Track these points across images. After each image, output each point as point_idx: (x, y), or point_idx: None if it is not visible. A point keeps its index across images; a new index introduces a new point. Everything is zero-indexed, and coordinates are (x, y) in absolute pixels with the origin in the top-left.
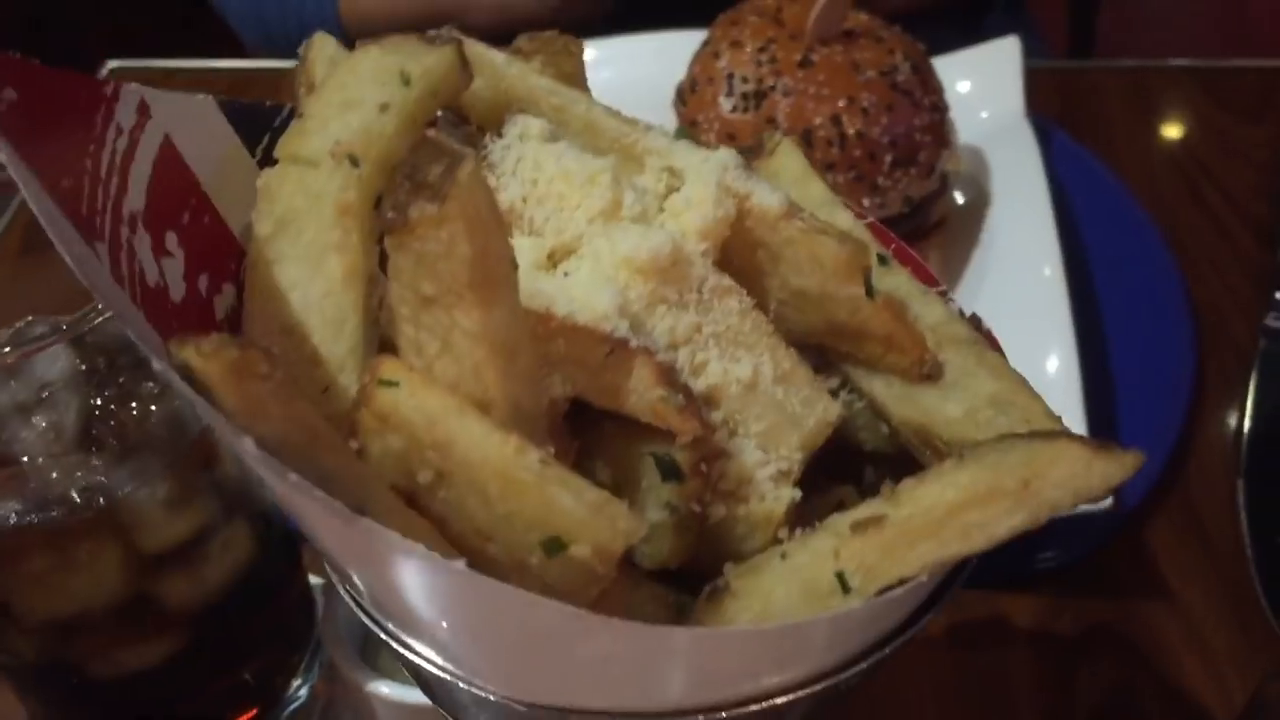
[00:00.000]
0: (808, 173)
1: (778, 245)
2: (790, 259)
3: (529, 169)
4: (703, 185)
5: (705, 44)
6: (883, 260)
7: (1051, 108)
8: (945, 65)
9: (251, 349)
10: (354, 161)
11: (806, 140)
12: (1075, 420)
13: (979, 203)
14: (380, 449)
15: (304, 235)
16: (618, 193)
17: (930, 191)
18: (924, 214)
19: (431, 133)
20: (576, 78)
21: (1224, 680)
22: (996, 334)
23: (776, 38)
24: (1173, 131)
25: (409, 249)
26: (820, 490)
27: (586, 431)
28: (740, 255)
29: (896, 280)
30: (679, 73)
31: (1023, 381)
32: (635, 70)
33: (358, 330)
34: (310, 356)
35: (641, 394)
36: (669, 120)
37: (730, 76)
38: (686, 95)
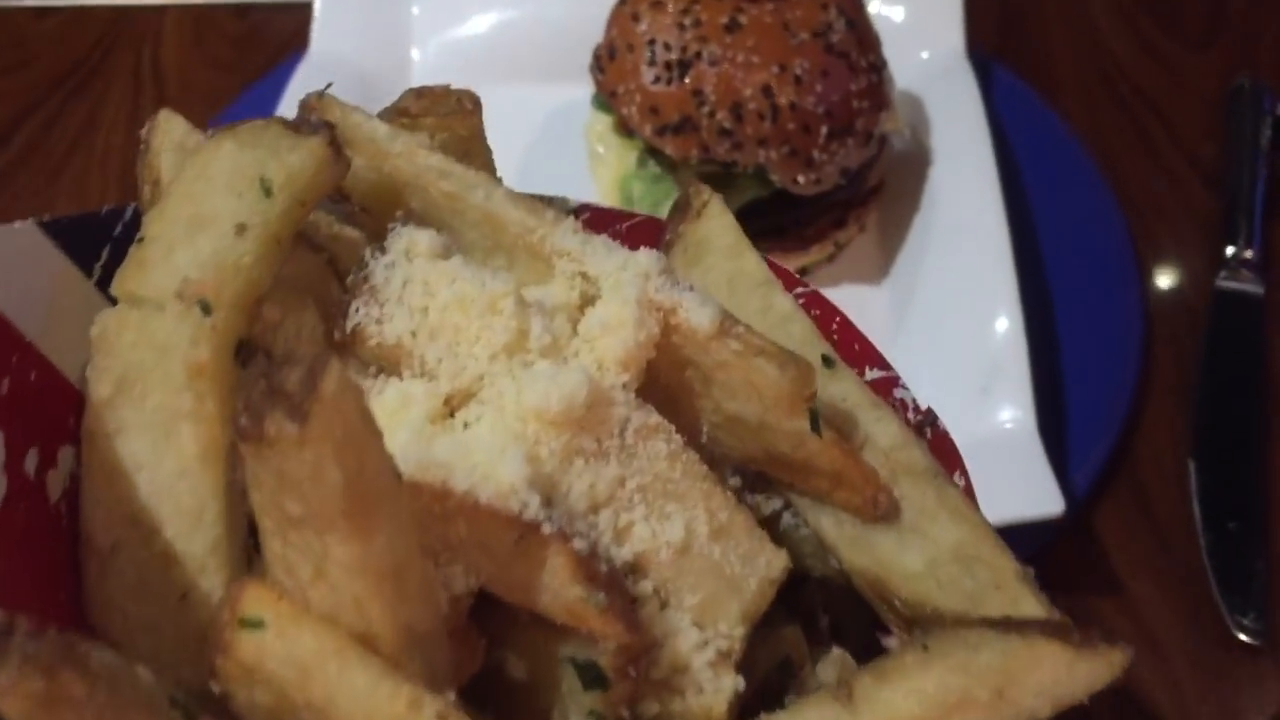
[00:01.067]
0: (739, 242)
1: (709, 367)
2: (724, 383)
3: (418, 294)
4: (621, 301)
5: (622, 2)
6: (828, 362)
7: (991, 38)
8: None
9: (62, 672)
10: (205, 308)
11: (736, 115)
12: (1021, 395)
13: (919, 159)
14: (247, 701)
15: (149, 399)
16: (523, 321)
17: (868, 158)
18: (861, 181)
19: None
20: (474, 140)
21: (1175, 676)
22: (943, 301)
23: None
24: (1117, 62)
25: (268, 463)
26: (763, 636)
27: (497, 619)
28: (667, 373)
29: (844, 388)
30: (601, 13)
31: (986, 528)
32: (553, 8)
33: (219, 520)
34: (163, 554)
35: (557, 591)
36: (589, 84)
37: (651, 43)
38: (604, 62)
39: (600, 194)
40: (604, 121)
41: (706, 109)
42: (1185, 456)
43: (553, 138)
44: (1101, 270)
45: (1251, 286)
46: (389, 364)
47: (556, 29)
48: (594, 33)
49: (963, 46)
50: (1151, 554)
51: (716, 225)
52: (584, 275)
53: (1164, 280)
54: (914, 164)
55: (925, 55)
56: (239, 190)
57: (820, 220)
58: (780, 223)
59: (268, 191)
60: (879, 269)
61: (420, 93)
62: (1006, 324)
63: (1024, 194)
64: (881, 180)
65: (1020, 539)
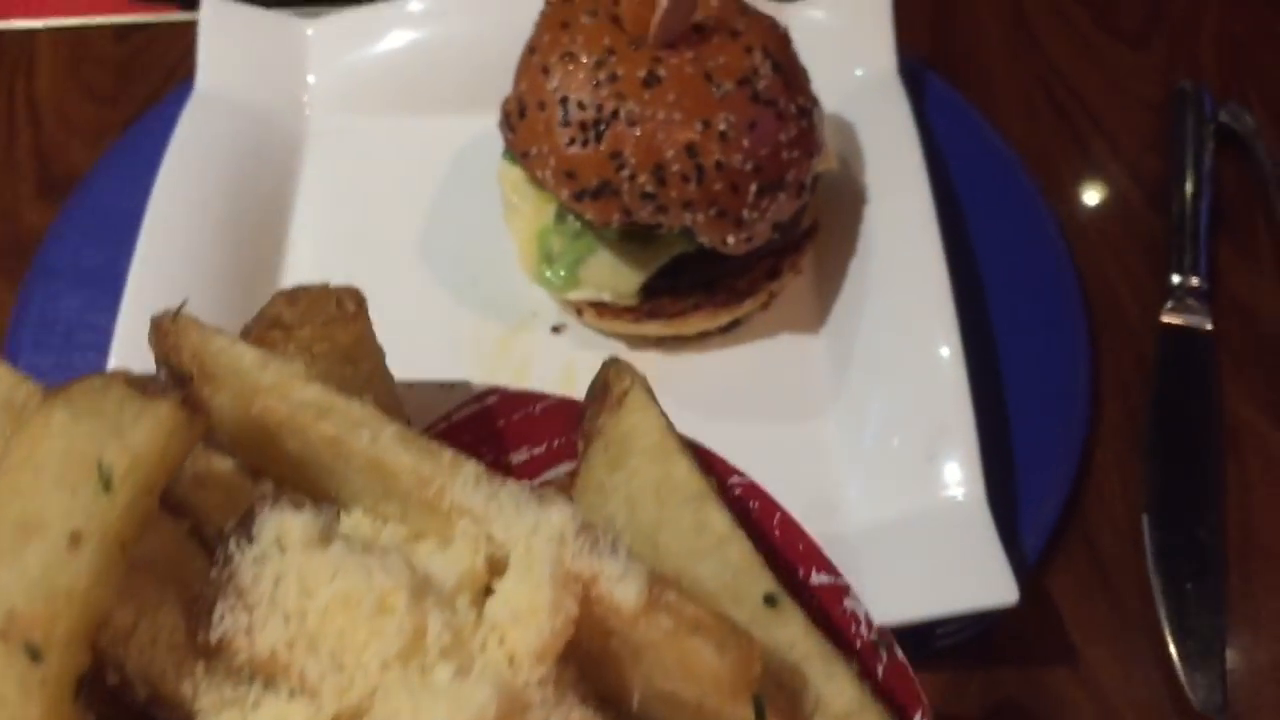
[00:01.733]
0: (666, 441)
1: (638, 643)
2: (655, 661)
3: (293, 594)
4: (534, 584)
5: (531, 51)
6: (772, 601)
7: (922, 40)
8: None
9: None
10: (34, 653)
11: (659, 178)
12: (969, 461)
13: (853, 191)
14: None
15: None
16: (418, 618)
17: (802, 205)
18: (794, 227)
19: None
20: (359, 345)
21: None
22: (883, 352)
23: (615, 47)
24: (1054, 65)
25: None
26: None
27: None
28: (591, 640)
29: (791, 633)
30: (520, 37)
31: None
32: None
33: None
34: None
35: None
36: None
37: (564, 101)
38: (514, 120)
39: (517, 247)
40: (518, 171)
41: (627, 172)
42: (1139, 512)
43: (465, 176)
44: (1044, 308)
45: (1199, 320)
46: (265, 675)
47: (469, 54)
48: (512, 60)
49: (894, 63)
50: (1108, 619)
51: (640, 421)
52: (490, 538)
53: (1109, 314)
54: (848, 197)
55: (858, 73)
56: (72, 484)
57: (753, 271)
58: (711, 275)
59: (107, 484)
60: (816, 315)
61: (293, 297)
62: (951, 380)
63: (962, 221)
64: (815, 222)
65: (972, 617)
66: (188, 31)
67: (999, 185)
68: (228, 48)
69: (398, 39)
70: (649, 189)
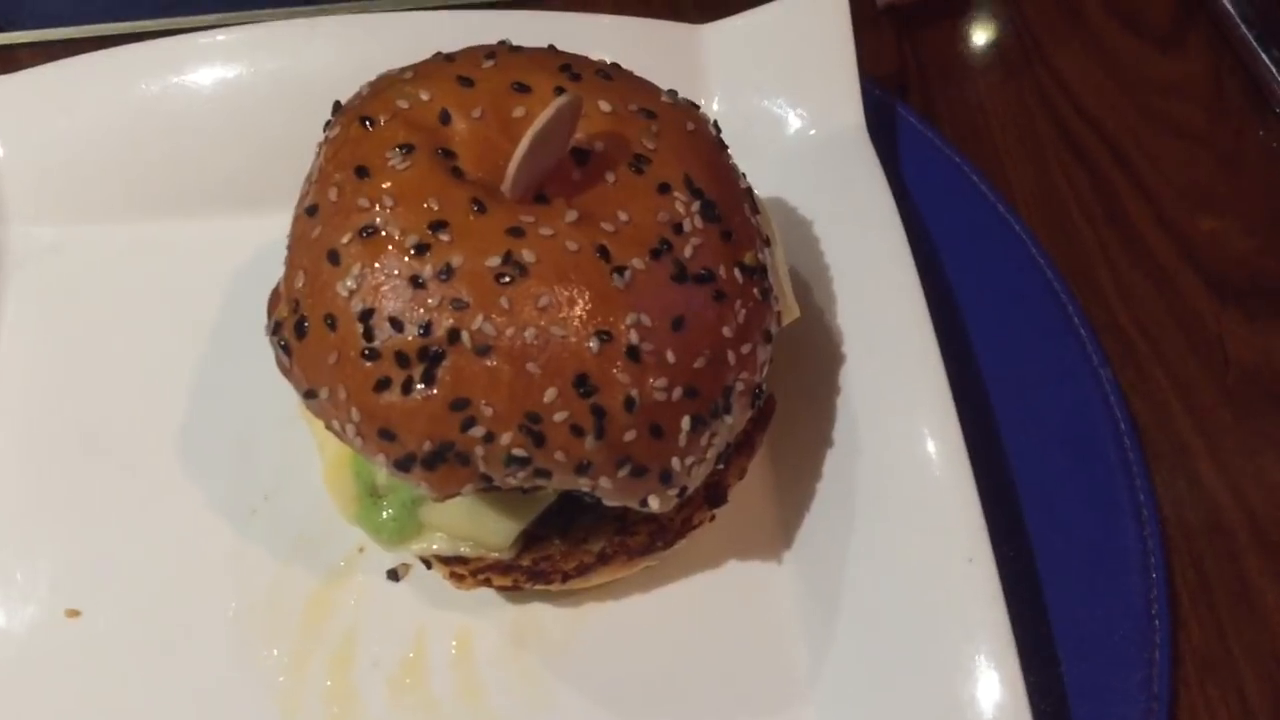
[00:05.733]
0: None
1: None
2: None
3: None
4: None
5: (310, 212)
6: None
7: (890, 57)
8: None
9: None
10: None
11: (534, 435)
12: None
13: (820, 331)
14: None
15: None
16: None
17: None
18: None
19: None
20: None
21: None
22: (884, 611)
23: (447, 211)
24: (1063, 78)
25: None
26: None
27: None
28: None
29: None
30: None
31: None
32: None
33: None
34: None
35: None
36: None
37: (367, 316)
38: (288, 335)
39: (324, 471)
40: None
41: (479, 430)
42: None
43: (246, 316)
44: (1076, 452)
45: None
46: None
47: (249, 124)
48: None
49: (861, 119)
50: None
51: None
52: None
53: (1166, 453)
54: (813, 337)
55: (812, 133)
56: None
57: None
58: (621, 510)
59: None
60: (774, 535)
61: None
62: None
63: (954, 313)
64: (771, 400)
65: None
66: None
67: (1008, 273)
68: None
69: (143, 100)
70: (518, 451)
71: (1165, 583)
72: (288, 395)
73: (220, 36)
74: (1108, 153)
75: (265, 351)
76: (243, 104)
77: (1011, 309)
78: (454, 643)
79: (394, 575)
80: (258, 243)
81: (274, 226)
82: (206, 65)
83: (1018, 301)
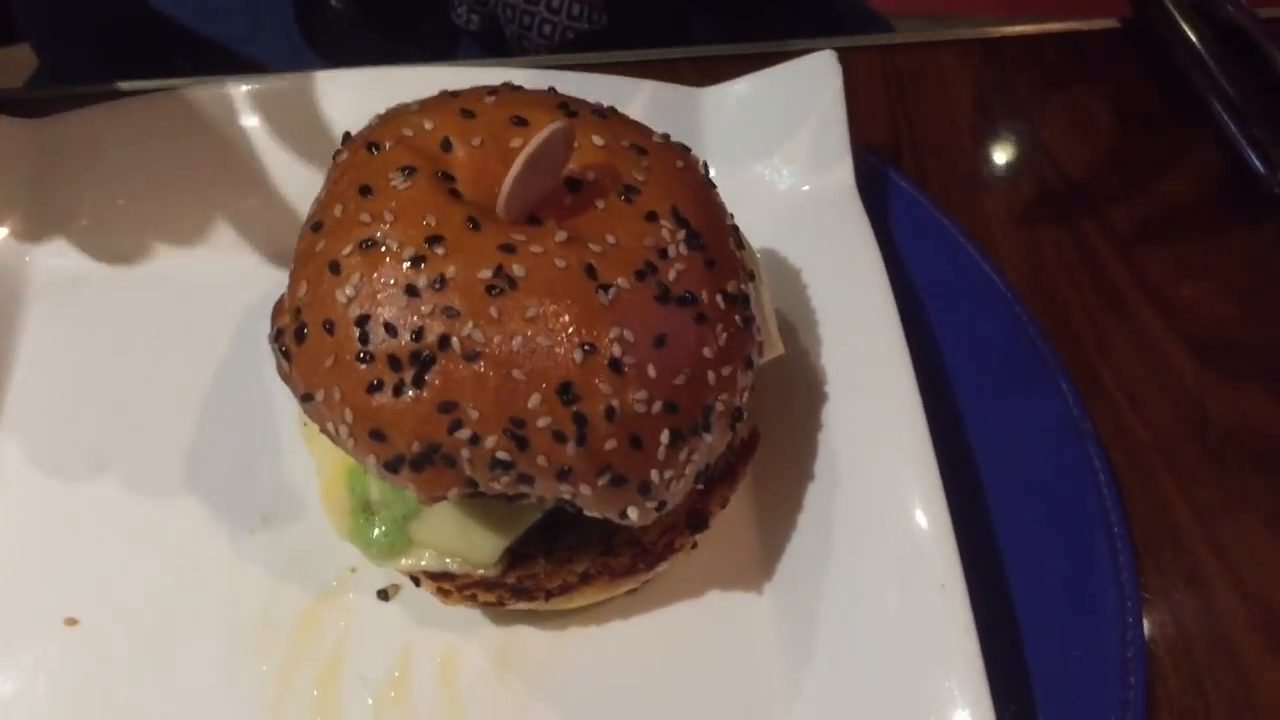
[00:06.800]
0: None
1: None
2: None
3: None
4: None
5: (315, 228)
6: None
7: (883, 125)
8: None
9: None
10: None
11: (517, 439)
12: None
13: (805, 372)
14: None
15: None
16: None
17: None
18: (725, 456)
19: None
20: None
21: None
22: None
23: (444, 228)
24: (1051, 150)
25: None
26: None
27: None
28: None
29: None
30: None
31: None
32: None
33: None
34: None
35: None
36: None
37: (363, 321)
38: (289, 341)
39: (320, 488)
40: None
41: (466, 433)
42: None
43: (254, 348)
44: (1071, 528)
45: None
46: None
47: (269, 168)
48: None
49: (851, 179)
50: None
51: None
52: None
53: (1154, 528)
54: (797, 377)
55: (805, 189)
56: None
57: (670, 518)
58: (607, 529)
59: None
60: (756, 565)
61: None
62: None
63: (944, 381)
64: (755, 430)
65: None
66: None
67: (995, 337)
68: None
69: (169, 147)
70: (503, 455)
71: (1141, 634)
72: (287, 423)
73: (243, 87)
74: (1094, 221)
75: (268, 382)
76: (258, 152)
77: (993, 360)
78: (439, 660)
79: (384, 595)
80: (265, 281)
81: (281, 267)
82: (226, 114)
83: (999, 353)
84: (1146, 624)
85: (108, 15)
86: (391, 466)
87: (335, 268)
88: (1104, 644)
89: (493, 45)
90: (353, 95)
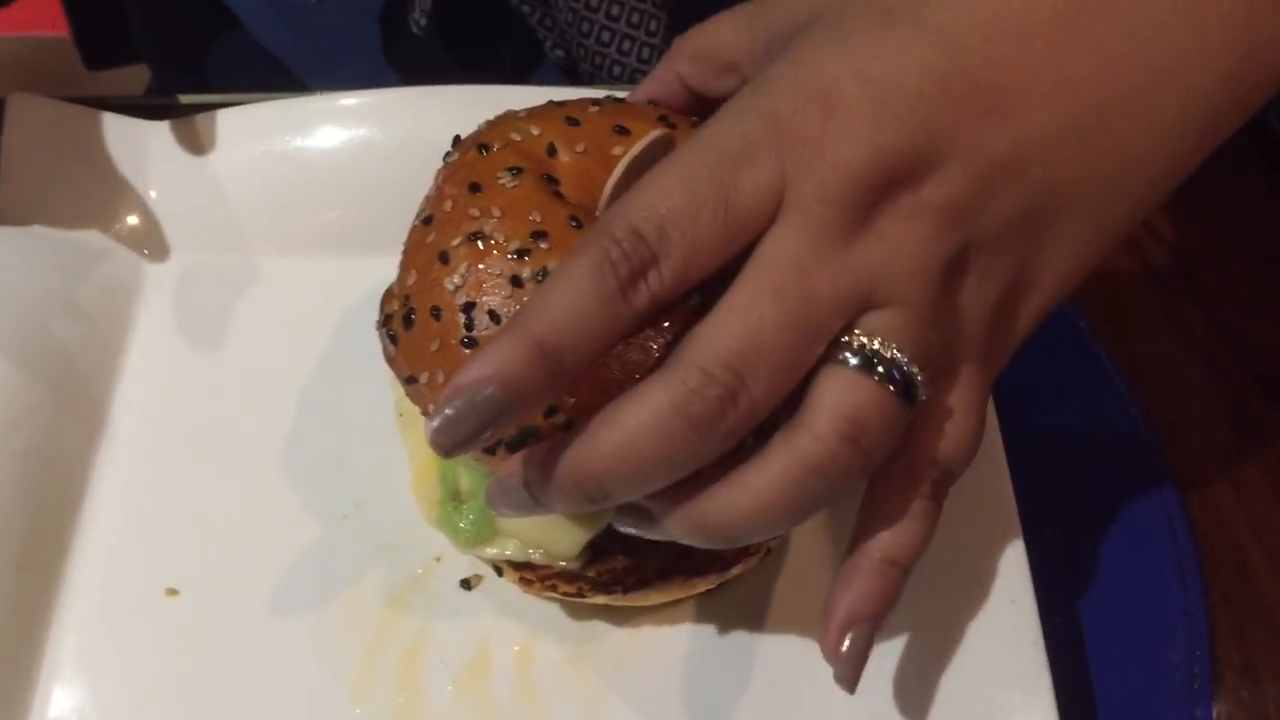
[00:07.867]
0: None
1: None
2: None
3: None
4: None
5: (425, 221)
6: None
7: None
8: None
9: None
10: None
11: None
12: None
13: None
14: None
15: None
16: None
17: None
18: None
19: None
20: None
21: None
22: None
23: (548, 224)
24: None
25: None
26: None
27: None
28: None
29: None
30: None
31: None
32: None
33: None
34: None
35: None
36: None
37: (469, 308)
38: (397, 326)
39: (411, 474)
40: None
41: (561, 418)
42: None
43: (352, 349)
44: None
45: None
46: None
47: (374, 174)
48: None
49: None
50: None
51: None
52: None
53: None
54: None
55: None
56: None
57: None
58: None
59: None
60: (829, 580)
61: None
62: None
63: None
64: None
65: None
66: None
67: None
68: (36, 159)
69: (276, 151)
70: None
71: (1208, 666)
72: (383, 416)
73: (350, 100)
74: (1173, 262)
75: (365, 377)
76: (365, 159)
77: (1068, 394)
78: (517, 649)
79: (466, 584)
80: (365, 283)
81: (380, 270)
82: (335, 123)
83: (1075, 387)
84: (1214, 655)
85: (216, 40)
86: (487, 448)
87: (444, 258)
88: (1170, 673)
89: (570, 74)
90: (451, 110)
